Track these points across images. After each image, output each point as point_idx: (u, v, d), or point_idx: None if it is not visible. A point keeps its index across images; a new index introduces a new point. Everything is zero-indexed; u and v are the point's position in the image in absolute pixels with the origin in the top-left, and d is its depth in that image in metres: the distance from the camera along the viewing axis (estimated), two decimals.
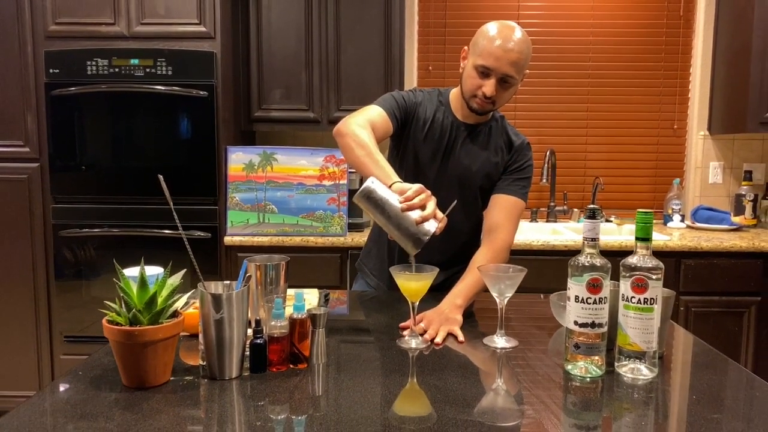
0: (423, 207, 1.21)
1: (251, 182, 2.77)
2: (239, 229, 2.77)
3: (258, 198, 2.77)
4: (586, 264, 1.12)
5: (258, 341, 1.11)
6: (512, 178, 1.65)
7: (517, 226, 1.64)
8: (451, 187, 1.64)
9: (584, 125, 3.32)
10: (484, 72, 1.51)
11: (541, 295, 1.74)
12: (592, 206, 1.12)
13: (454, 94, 1.67)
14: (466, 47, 1.59)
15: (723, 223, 3.03)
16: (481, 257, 1.56)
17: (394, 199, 1.23)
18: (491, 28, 1.52)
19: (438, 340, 1.29)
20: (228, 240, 2.74)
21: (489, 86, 1.51)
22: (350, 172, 2.84)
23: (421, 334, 1.32)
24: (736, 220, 3.09)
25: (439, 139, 1.63)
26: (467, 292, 1.48)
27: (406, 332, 1.33)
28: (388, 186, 1.26)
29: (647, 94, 3.30)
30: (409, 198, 1.21)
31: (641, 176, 3.35)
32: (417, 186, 1.24)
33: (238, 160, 2.77)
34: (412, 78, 3.27)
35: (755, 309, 2.71)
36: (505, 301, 1.28)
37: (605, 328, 1.12)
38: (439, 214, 1.22)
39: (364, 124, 1.45)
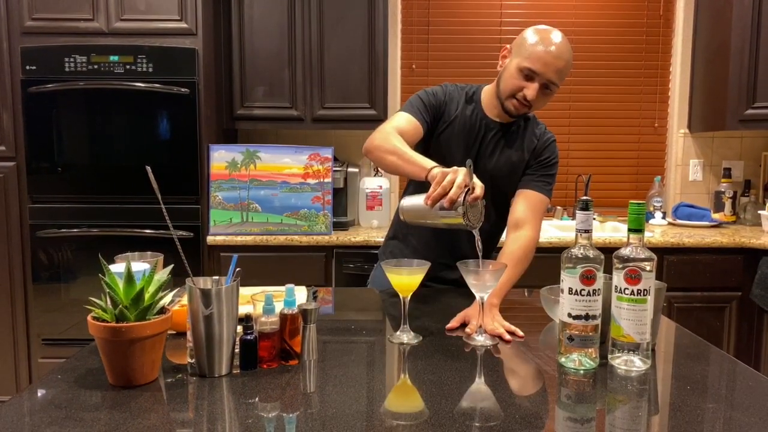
0: (448, 188, 1.20)
1: (234, 181, 2.75)
2: (222, 228, 2.76)
3: (241, 197, 2.76)
4: (580, 256, 1.12)
5: (248, 337, 1.10)
6: (538, 174, 1.64)
7: (541, 222, 1.63)
8: None
9: (566, 123, 3.35)
10: (529, 75, 1.50)
11: (525, 291, 1.74)
12: (584, 198, 1.12)
13: (486, 91, 1.65)
14: (507, 45, 1.58)
15: (704, 219, 3.07)
16: (510, 255, 1.53)
17: (422, 200, 1.25)
18: (540, 32, 1.50)
19: (507, 336, 1.29)
20: (211, 239, 2.72)
21: (531, 90, 1.50)
22: (335, 171, 2.85)
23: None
24: (716, 216, 3.13)
25: (470, 137, 1.62)
26: (501, 290, 1.47)
27: (468, 329, 1.32)
28: (424, 178, 1.28)
29: (628, 93, 3.33)
30: (432, 191, 1.22)
31: (623, 173, 3.38)
32: (438, 175, 1.23)
33: (221, 158, 2.75)
34: (395, 76, 3.27)
35: (736, 304, 2.75)
36: (485, 298, 1.27)
37: (599, 320, 1.12)
38: (463, 182, 1.20)
39: (390, 132, 1.46)
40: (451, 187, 1.20)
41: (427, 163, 1.32)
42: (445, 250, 1.68)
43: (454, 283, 1.67)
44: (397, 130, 1.48)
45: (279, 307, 1.13)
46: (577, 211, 1.12)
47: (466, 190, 1.20)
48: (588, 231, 1.12)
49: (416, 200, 1.29)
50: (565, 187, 3.37)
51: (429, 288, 1.69)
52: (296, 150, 2.76)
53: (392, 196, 3.19)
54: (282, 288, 1.17)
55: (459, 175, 1.21)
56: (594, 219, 3.04)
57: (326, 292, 1.78)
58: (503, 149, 1.64)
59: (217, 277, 1.09)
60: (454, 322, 1.37)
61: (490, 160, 1.64)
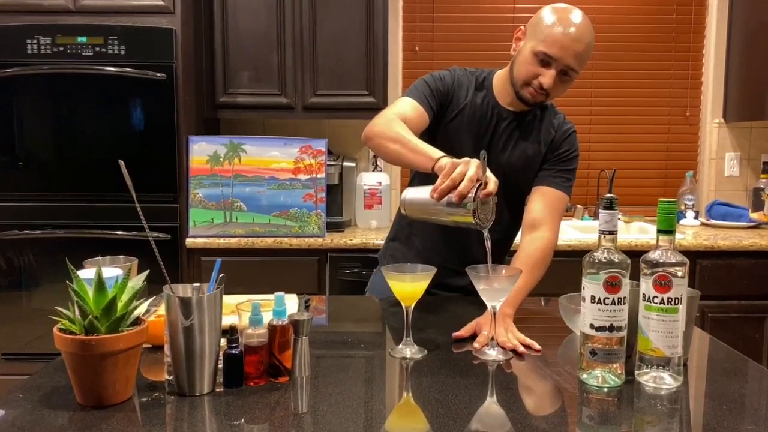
0: (459, 181, 1.20)
1: (216, 176, 2.77)
2: (203, 229, 2.77)
3: (224, 194, 2.77)
4: (603, 260, 1.11)
5: (233, 352, 1.09)
6: (556, 169, 1.65)
7: (560, 223, 1.64)
8: None
9: (588, 113, 3.35)
10: (545, 60, 1.50)
11: (542, 300, 1.75)
12: (608, 195, 1.12)
13: (499, 77, 1.65)
14: (522, 26, 1.58)
15: (741, 219, 3.07)
16: (525, 259, 1.54)
17: (428, 193, 1.25)
18: (558, 11, 1.50)
19: (522, 349, 1.29)
20: (190, 242, 2.72)
21: (548, 77, 1.50)
22: (329, 165, 2.85)
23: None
24: (755, 216, 3.13)
25: (480, 127, 1.62)
26: (516, 299, 1.46)
27: (478, 342, 1.32)
28: (431, 169, 1.29)
29: (657, 78, 3.34)
30: (439, 183, 1.22)
31: (651, 168, 3.39)
32: (448, 166, 1.23)
33: (201, 151, 2.76)
34: (396, 60, 3.28)
35: None
36: (498, 307, 1.27)
37: (624, 332, 1.13)
38: (475, 175, 1.20)
39: (393, 118, 1.47)
40: (462, 180, 1.20)
41: (435, 152, 1.32)
42: (454, 253, 1.68)
43: (463, 290, 1.67)
44: (400, 116, 1.48)
45: (267, 317, 1.14)
46: (600, 211, 1.12)
47: (478, 184, 1.21)
48: (612, 232, 1.12)
49: (421, 192, 1.30)
50: (587, 184, 3.37)
51: (435, 296, 1.69)
52: (286, 142, 2.77)
53: (393, 194, 3.21)
54: (270, 296, 1.17)
55: (470, 167, 1.21)
56: (619, 219, 3.06)
57: (319, 301, 1.78)
58: (517, 141, 1.65)
59: (198, 284, 1.09)
60: (463, 331, 1.38)
61: (502, 153, 1.64)
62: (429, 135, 1.60)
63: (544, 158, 1.66)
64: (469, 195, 1.21)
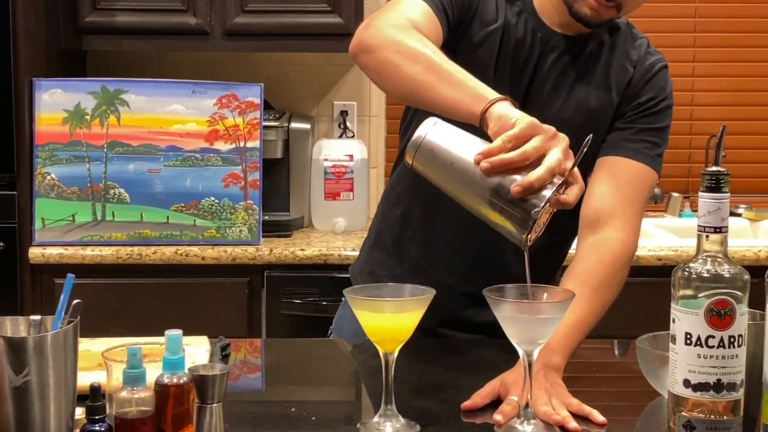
0: (530, 162, 1.20)
1: (79, 145, 2.76)
2: (57, 232, 2.76)
3: (93, 175, 2.76)
4: (705, 275, 1.10)
5: (96, 428, 1.07)
6: (636, 128, 1.66)
7: (641, 217, 1.68)
8: None
9: (690, 56, 3.39)
10: None
11: (615, 344, 1.78)
12: (713, 169, 1.11)
13: None
14: None
15: None
16: (583, 276, 1.56)
17: (471, 150, 1.24)
18: None
19: (573, 424, 1.29)
20: (36, 253, 2.71)
21: None
22: (267, 127, 2.85)
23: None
24: None
25: (516, 61, 1.65)
26: (567, 341, 1.48)
27: (500, 413, 1.32)
28: (478, 117, 1.29)
29: None
30: (499, 150, 1.20)
31: None
32: (523, 123, 1.22)
33: (55, 103, 2.76)
34: None
35: None
36: (535, 354, 1.27)
37: (741, 393, 1.12)
38: (560, 164, 1.21)
39: (405, 24, 1.48)
40: (538, 161, 1.20)
41: (486, 89, 1.32)
42: (477, 269, 1.70)
43: (490, 329, 1.61)
44: (412, 25, 1.49)
45: (154, 372, 1.12)
46: (700, 194, 1.12)
47: (559, 182, 1.22)
48: (720, 230, 1.11)
49: (459, 141, 1.29)
50: (688, 158, 3.37)
51: (441, 338, 1.73)
52: (195, 89, 2.75)
53: (373, 175, 3.18)
54: (160, 339, 1.17)
55: (558, 144, 1.22)
56: (738, 215, 3.14)
57: (250, 347, 1.79)
58: (574, 85, 1.68)
59: (38, 317, 1.10)
60: (477, 398, 1.37)
61: (549, 102, 1.66)
62: None
63: (617, 112, 1.68)
64: (543, 193, 1.20)
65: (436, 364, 1.56)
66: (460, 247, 1.72)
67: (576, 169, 1.26)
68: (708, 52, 3.37)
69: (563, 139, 1.24)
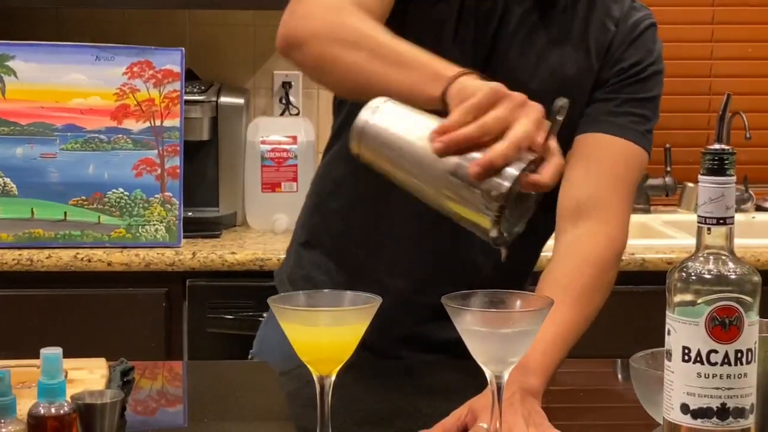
0: (493, 137, 1.19)
1: None
2: None
3: None
4: (707, 276, 1.11)
5: None
6: (621, 99, 1.70)
7: (630, 205, 1.72)
8: None
9: (709, 17, 3.45)
10: None
11: (617, 365, 1.81)
12: (716, 146, 1.13)
13: None
14: None
15: None
16: (563, 280, 1.58)
17: (425, 131, 1.24)
18: None
19: None
20: None
21: None
22: (189, 102, 2.90)
23: None
24: None
25: (479, 21, 1.68)
26: (546, 359, 1.50)
27: None
28: (439, 96, 1.29)
29: None
30: (456, 124, 1.20)
31: None
32: (481, 94, 1.21)
33: None
34: None
35: None
36: (505, 376, 1.28)
37: (750, 420, 1.13)
38: (531, 135, 1.20)
39: (342, 5, 1.50)
40: (501, 133, 1.19)
41: (443, 65, 1.34)
42: (438, 275, 1.73)
43: (452, 348, 1.63)
44: (353, 2, 1.52)
45: (27, 401, 1.15)
46: (700, 177, 1.13)
47: (530, 159, 1.21)
48: (725, 221, 1.11)
49: (409, 121, 1.29)
50: (706, 141, 3.41)
51: (399, 361, 1.78)
52: (99, 54, 2.78)
53: (319, 161, 3.10)
54: (35, 362, 1.20)
55: (528, 112, 1.22)
56: (764, 208, 2.97)
57: (169, 373, 1.85)
58: (546, 46, 1.70)
59: None
60: (439, 429, 1.37)
61: (518, 67, 1.69)
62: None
63: (598, 79, 1.72)
64: (509, 170, 1.18)
65: (387, 391, 1.58)
66: (416, 247, 1.74)
67: (554, 142, 1.24)
68: (727, 14, 3.46)
69: (534, 108, 1.23)
